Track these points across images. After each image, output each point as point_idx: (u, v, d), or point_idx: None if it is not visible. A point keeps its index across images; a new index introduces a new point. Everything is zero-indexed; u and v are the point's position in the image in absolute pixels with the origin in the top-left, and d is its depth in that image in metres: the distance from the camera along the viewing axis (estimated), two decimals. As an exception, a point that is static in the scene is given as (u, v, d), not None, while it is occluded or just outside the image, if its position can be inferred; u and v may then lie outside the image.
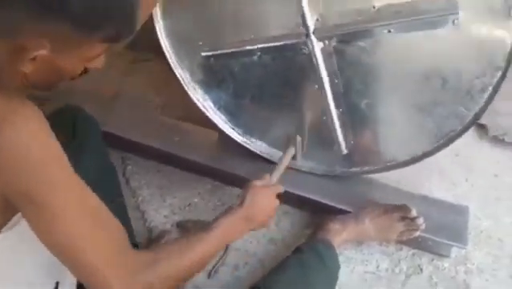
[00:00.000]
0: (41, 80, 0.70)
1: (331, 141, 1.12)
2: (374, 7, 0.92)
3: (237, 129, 1.23)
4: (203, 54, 1.12)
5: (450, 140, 1.02)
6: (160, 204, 1.28)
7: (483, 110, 0.95)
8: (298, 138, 1.10)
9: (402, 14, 0.91)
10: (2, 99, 0.65)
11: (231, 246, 1.19)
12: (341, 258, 1.07)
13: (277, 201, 0.97)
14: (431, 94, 0.98)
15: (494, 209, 1.26)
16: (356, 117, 1.07)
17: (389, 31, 0.92)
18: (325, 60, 1.01)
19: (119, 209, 1.13)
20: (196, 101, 1.21)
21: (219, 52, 1.11)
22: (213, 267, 1.15)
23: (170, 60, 1.17)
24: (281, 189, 1.00)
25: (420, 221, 1.08)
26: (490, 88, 0.92)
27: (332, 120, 1.09)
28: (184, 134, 1.32)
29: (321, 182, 1.22)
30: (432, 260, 1.15)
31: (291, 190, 1.20)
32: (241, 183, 1.25)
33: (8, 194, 0.65)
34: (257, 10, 1.03)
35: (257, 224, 0.93)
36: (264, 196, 0.94)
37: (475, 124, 1.14)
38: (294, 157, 1.12)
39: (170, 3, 1.10)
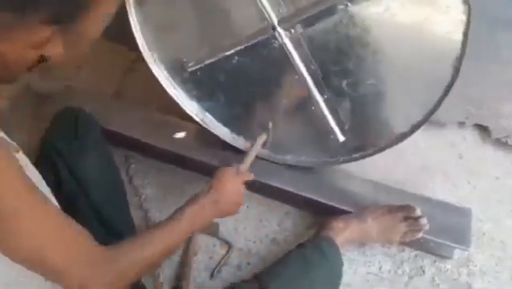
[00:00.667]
0: None
1: (327, 131, 1.12)
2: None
3: (239, 137, 1.23)
4: (189, 69, 1.15)
5: (439, 101, 1.00)
6: (163, 203, 1.28)
7: (458, 67, 0.94)
8: (271, 124, 1.13)
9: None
10: None
11: (234, 245, 1.19)
12: (343, 260, 1.07)
13: (244, 189, 0.99)
14: (406, 62, 0.98)
15: (496, 211, 1.26)
16: (342, 100, 1.07)
17: (346, 5, 0.94)
18: (296, 48, 1.03)
19: (121, 207, 1.13)
20: (195, 117, 1.22)
21: (203, 64, 1.13)
22: (216, 267, 1.15)
23: (163, 82, 1.19)
24: (250, 176, 1.03)
25: (424, 221, 1.08)
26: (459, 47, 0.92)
27: (320, 107, 1.09)
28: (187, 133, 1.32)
29: (324, 183, 1.23)
30: (435, 262, 1.16)
31: (294, 190, 1.21)
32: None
33: None
34: (224, 16, 1.06)
35: (224, 210, 0.94)
36: (232, 182, 0.96)
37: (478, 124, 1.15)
38: (264, 144, 1.15)
39: (153, 33, 1.14)
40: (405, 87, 1.02)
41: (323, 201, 1.19)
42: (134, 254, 0.74)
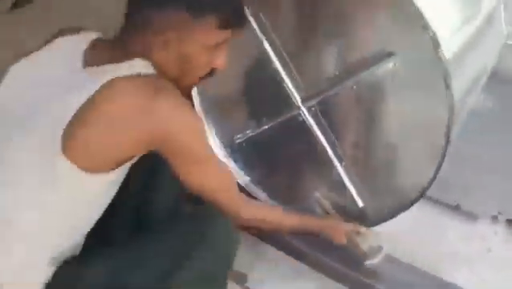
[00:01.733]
0: (173, 68, 0.80)
1: (346, 196, 1.24)
2: (337, 73, 1.16)
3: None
4: (237, 141, 1.35)
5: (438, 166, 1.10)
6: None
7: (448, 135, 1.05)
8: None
9: (355, 72, 1.13)
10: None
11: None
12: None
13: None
14: (408, 134, 1.14)
15: (521, 310, 1.26)
16: (357, 166, 1.22)
17: (353, 87, 1.14)
18: (317, 124, 1.22)
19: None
20: (244, 185, 1.37)
21: (247, 137, 1.34)
22: None
23: (216, 151, 1.35)
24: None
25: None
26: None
27: (339, 174, 1.23)
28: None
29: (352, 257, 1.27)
30: None
31: (327, 260, 1.26)
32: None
33: (164, 149, 0.79)
34: (260, 97, 1.31)
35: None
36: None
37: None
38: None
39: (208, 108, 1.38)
40: (411, 154, 1.16)
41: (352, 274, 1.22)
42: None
